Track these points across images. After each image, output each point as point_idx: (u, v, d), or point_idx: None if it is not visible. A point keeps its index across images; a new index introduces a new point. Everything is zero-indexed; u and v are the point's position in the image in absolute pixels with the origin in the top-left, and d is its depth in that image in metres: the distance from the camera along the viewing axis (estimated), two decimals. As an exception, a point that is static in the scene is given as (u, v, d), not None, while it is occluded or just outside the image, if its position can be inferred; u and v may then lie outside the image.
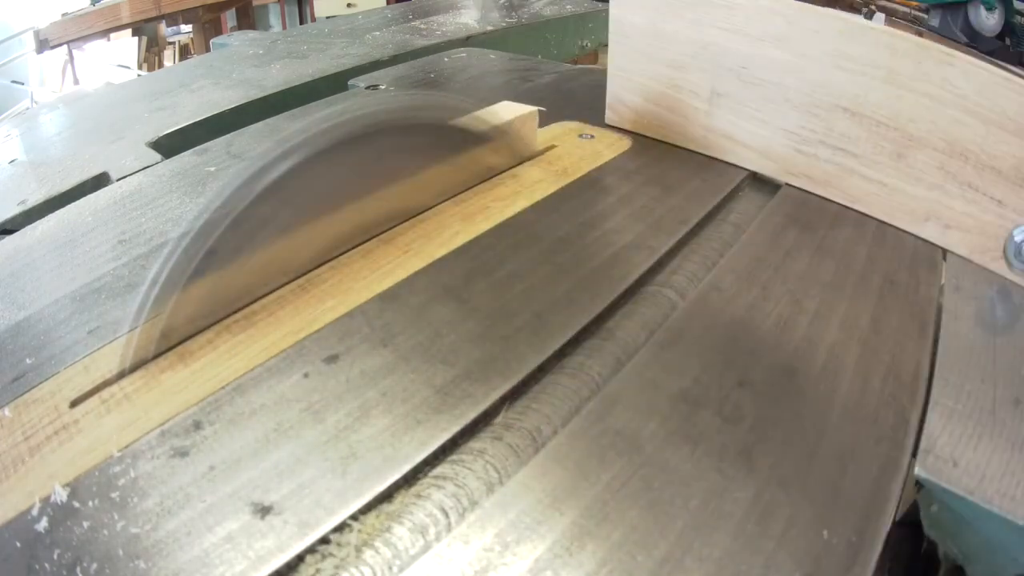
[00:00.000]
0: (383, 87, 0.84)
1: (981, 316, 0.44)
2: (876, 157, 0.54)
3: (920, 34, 1.79)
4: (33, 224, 0.56)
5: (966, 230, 0.51)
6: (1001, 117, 0.47)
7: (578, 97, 0.80)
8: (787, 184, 0.59)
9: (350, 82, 0.87)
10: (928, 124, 0.50)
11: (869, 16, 2.08)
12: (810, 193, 0.58)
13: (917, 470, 0.32)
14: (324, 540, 0.28)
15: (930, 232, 0.52)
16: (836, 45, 0.53)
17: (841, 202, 0.57)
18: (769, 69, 0.58)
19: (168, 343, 0.39)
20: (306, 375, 0.37)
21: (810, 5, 0.55)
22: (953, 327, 0.43)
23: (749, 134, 0.61)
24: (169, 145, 0.72)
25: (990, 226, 0.49)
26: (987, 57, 1.61)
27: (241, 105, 0.81)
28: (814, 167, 0.58)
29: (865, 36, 0.52)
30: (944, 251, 0.51)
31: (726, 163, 0.63)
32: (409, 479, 0.31)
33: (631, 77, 0.67)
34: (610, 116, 0.70)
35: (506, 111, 0.60)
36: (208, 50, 1.93)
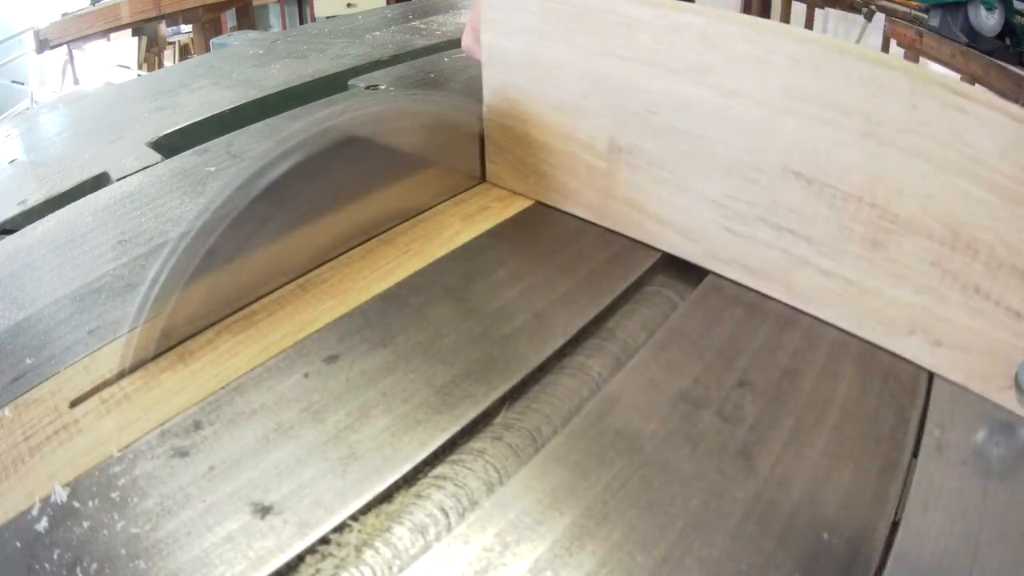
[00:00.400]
0: (383, 87, 0.84)
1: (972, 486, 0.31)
2: (841, 244, 0.39)
3: (920, 34, 1.78)
4: (33, 224, 0.56)
5: (965, 349, 0.37)
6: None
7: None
8: (714, 273, 0.45)
9: (350, 82, 0.87)
10: (922, 200, 0.36)
11: (869, 16, 2.07)
12: (744, 286, 0.44)
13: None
14: (324, 540, 0.28)
15: (914, 350, 0.38)
16: (786, 79, 0.37)
17: (788, 302, 0.43)
18: (687, 114, 0.42)
19: (168, 343, 0.39)
20: (306, 375, 0.37)
21: (748, 19, 0.39)
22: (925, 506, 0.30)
23: (662, 203, 0.46)
24: (169, 145, 0.72)
25: (1000, 345, 0.35)
26: (987, 57, 1.61)
27: (241, 105, 0.81)
28: (751, 253, 0.43)
29: (831, 65, 0.36)
30: (931, 375, 0.38)
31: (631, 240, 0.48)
32: (409, 479, 0.31)
33: (510, 125, 0.53)
34: (491, 173, 0.56)
35: None
36: (208, 50, 1.93)
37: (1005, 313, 0.35)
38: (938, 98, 0.34)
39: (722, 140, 0.41)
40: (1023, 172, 0.32)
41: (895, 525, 0.29)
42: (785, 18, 2.46)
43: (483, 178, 0.57)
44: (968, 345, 0.37)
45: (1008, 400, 0.35)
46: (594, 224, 0.51)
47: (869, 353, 0.39)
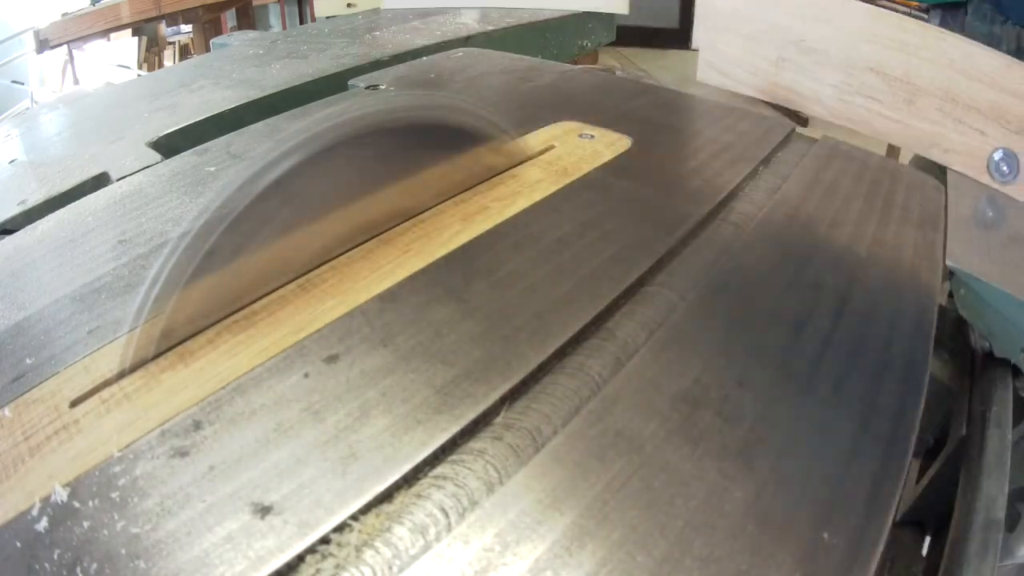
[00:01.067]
0: (383, 87, 0.84)
1: (975, 210, 0.62)
2: (894, 103, 0.76)
3: (920, 34, 1.80)
4: (33, 224, 0.56)
5: (960, 153, 0.70)
6: (979, 73, 0.67)
7: (578, 97, 0.80)
8: (824, 136, 0.74)
9: (350, 82, 0.87)
10: (929, 79, 0.72)
11: (869, 16, 2.08)
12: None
13: (948, 262, 0.49)
14: (324, 540, 0.28)
15: (935, 155, 0.72)
16: (865, 25, 0.77)
17: (868, 134, 0.79)
18: (819, 42, 0.81)
19: (168, 343, 0.39)
20: (306, 375, 0.37)
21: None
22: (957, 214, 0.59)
23: (805, 88, 0.85)
24: (169, 145, 0.72)
25: (977, 150, 0.68)
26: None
27: (241, 105, 0.81)
28: (853, 111, 0.80)
29: (884, 19, 0.76)
30: (945, 169, 0.70)
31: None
32: (409, 479, 0.31)
33: (716, 47, 0.94)
34: (700, 74, 0.97)
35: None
36: (208, 50, 1.93)
37: (975, 132, 0.69)
38: (932, 34, 0.71)
39: (835, 54, 0.80)
40: (972, 64, 0.67)
41: (895, 525, 0.29)
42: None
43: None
44: (961, 150, 0.70)
45: (986, 180, 0.67)
46: (593, 225, 0.51)
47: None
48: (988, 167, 0.67)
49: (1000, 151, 0.66)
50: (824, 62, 0.81)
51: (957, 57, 0.68)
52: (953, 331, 0.54)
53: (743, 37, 0.89)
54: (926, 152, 0.73)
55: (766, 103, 0.90)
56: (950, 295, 0.53)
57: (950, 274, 0.48)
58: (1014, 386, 0.47)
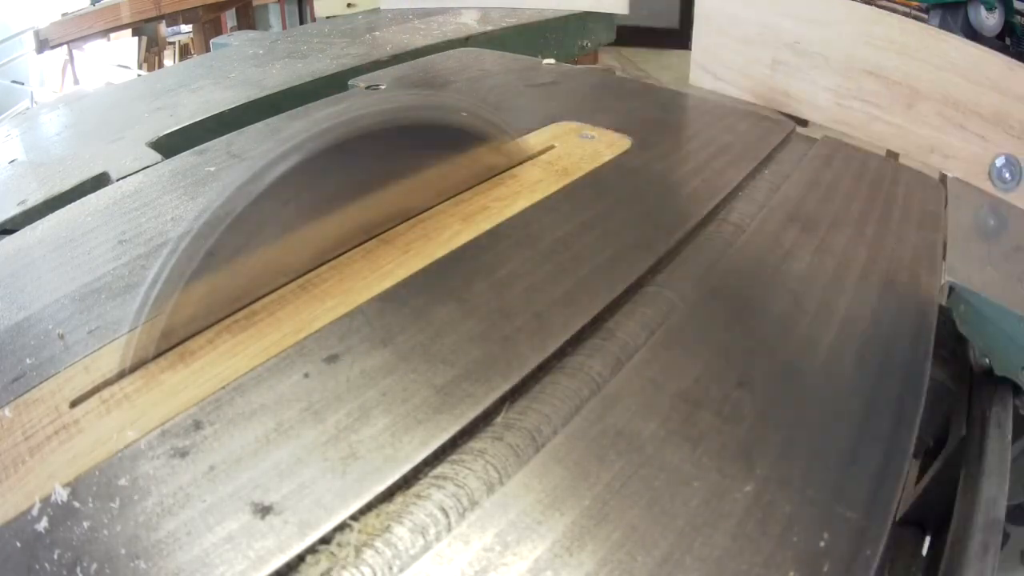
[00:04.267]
0: (383, 87, 0.84)
1: (976, 219, 0.62)
2: (894, 107, 0.75)
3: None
4: (33, 224, 0.56)
5: (961, 159, 0.69)
6: (981, 77, 0.66)
7: (578, 97, 0.80)
8: (824, 136, 0.73)
9: (350, 82, 0.87)
10: (930, 83, 0.71)
11: (869, 16, 2.08)
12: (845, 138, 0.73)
13: (948, 278, 0.48)
14: (324, 540, 0.28)
15: (935, 161, 0.71)
16: (863, 27, 0.75)
17: (867, 139, 0.76)
18: (815, 44, 0.79)
19: (168, 343, 0.39)
20: (306, 375, 0.37)
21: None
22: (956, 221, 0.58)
23: (802, 92, 0.84)
24: (169, 145, 0.72)
25: (978, 156, 0.67)
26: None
27: (241, 105, 0.81)
28: (850, 116, 0.79)
29: (884, 20, 0.75)
30: (945, 176, 0.69)
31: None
32: (409, 479, 0.31)
33: (711, 50, 0.92)
34: (693, 78, 0.96)
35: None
36: (208, 50, 1.93)
37: (976, 138, 0.67)
38: (933, 36, 0.70)
39: (833, 57, 0.78)
40: (975, 68, 0.66)
41: (895, 525, 0.29)
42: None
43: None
44: (962, 156, 0.68)
45: (987, 187, 0.66)
46: (593, 225, 0.51)
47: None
48: (990, 174, 0.66)
49: (1002, 157, 0.65)
50: (820, 65, 0.80)
51: (959, 60, 0.67)
52: (953, 329, 0.53)
53: (737, 40, 0.87)
54: (926, 158, 0.71)
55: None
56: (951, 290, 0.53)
57: (949, 290, 0.47)
58: (1014, 404, 0.46)
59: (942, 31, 0.70)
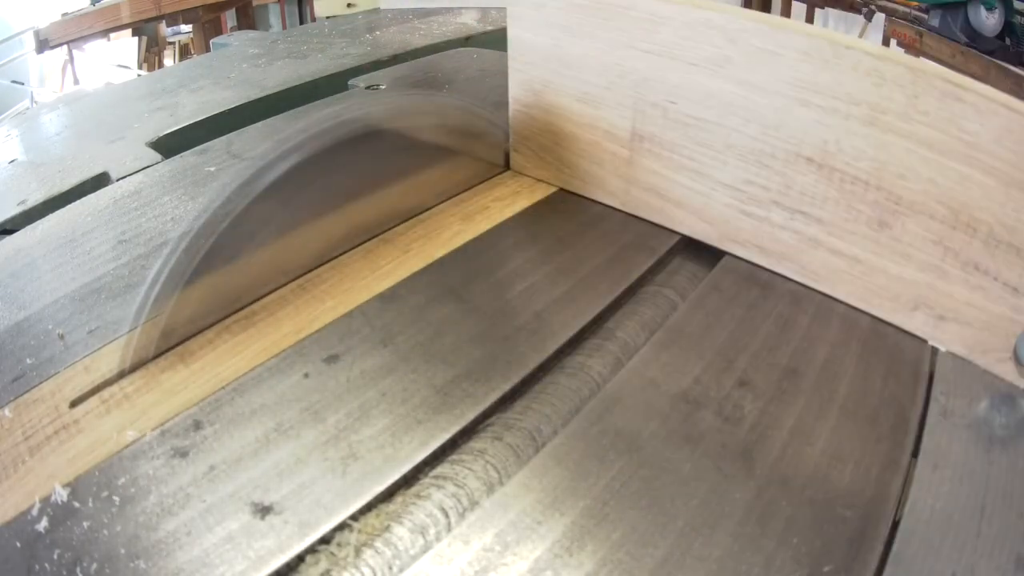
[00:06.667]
0: (383, 87, 0.84)
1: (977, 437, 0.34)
2: (850, 225, 0.42)
3: (920, 34, 1.78)
4: (33, 224, 0.56)
5: (966, 323, 0.39)
6: None
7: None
8: (730, 254, 0.47)
9: (350, 82, 0.87)
10: (924, 183, 0.38)
11: (869, 16, 2.07)
12: (758, 266, 0.46)
13: None
14: (324, 540, 0.28)
15: (918, 324, 0.41)
16: (798, 72, 0.40)
17: (800, 280, 0.45)
18: (705, 104, 0.44)
19: (168, 343, 0.39)
20: (306, 375, 0.37)
21: (763, 16, 0.41)
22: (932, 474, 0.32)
23: (681, 189, 0.48)
24: (169, 145, 0.72)
25: (999, 320, 0.37)
26: (987, 57, 1.61)
27: (241, 105, 0.81)
28: (765, 235, 0.45)
29: (840, 59, 0.38)
30: (934, 349, 0.40)
31: (651, 224, 0.51)
32: (409, 479, 0.31)
33: (534, 114, 0.55)
34: (515, 162, 0.59)
35: None
36: (208, 50, 1.93)
37: (1003, 288, 0.37)
38: (938, 88, 0.36)
39: (737, 128, 0.44)
40: (1016, 156, 0.35)
41: (895, 524, 0.29)
42: (785, 17, 2.46)
43: (506, 167, 0.59)
44: (969, 319, 0.39)
45: (1008, 372, 0.37)
46: (594, 225, 0.51)
47: (877, 331, 0.42)
48: (1016, 351, 0.37)
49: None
50: (716, 143, 0.45)
51: (988, 138, 0.35)
52: None
53: (573, 98, 0.52)
54: (904, 318, 0.41)
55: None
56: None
57: None
58: None
59: (954, 78, 0.35)
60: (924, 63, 0.38)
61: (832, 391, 0.36)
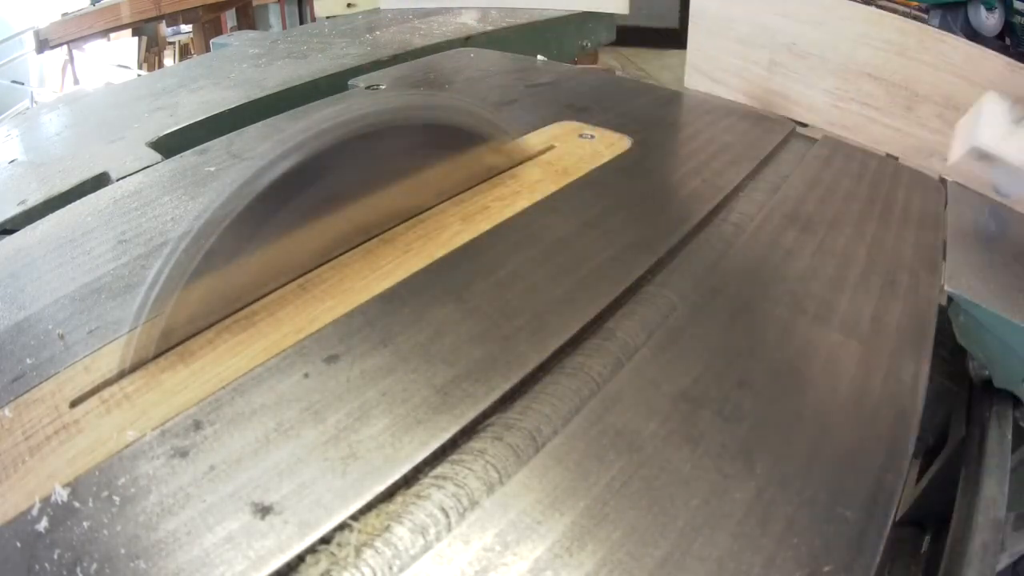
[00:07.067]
0: (383, 87, 0.84)
1: (976, 224, 0.59)
2: (892, 110, 0.74)
3: (920, 34, 1.80)
4: (33, 224, 0.56)
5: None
6: (981, 79, 0.66)
7: (579, 97, 0.80)
8: (827, 134, 0.76)
9: (350, 82, 0.87)
10: (929, 85, 0.71)
11: (869, 16, 2.08)
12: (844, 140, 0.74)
13: (947, 287, 0.45)
14: (324, 540, 0.28)
15: (935, 164, 0.71)
16: (861, 28, 0.75)
17: (866, 144, 0.73)
18: (812, 45, 0.77)
19: (168, 343, 0.39)
20: (306, 375, 0.37)
21: None
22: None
23: (799, 94, 0.83)
24: (169, 145, 0.72)
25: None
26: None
27: (241, 105, 0.81)
28: (847, 118, 0.79)
29: (882, 21, 0.74)
30: (944, 179, 0.66)
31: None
32: (409, 479, 0.31)
33: (707, 52, 0.89)
34: (688, 81, 0.95)
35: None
36: (208, 50, 1.93)
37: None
38: (932, 36, 0.70)
39: (830, 59, 0.77)
40: (976, 69, 0.66)
41: (895, 525, 0.29)
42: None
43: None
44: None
45: (989, 191, 0.63)
46: (594, 224, 0.51)
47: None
48: (997, 188, 0.64)
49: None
50: (818, 67, 0.78)
51: (958, 61, 0.67)
52: (952, 331, 0.52)
53: (733, 41, 0.86)
54: (926, 162, 0.71)
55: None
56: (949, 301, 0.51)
57: (948, 300, 0.45)
58: (1014, 416, 0.45)
59: (941, 31, 0.70)
60: (927, 28, 0.71)
61: (833, 388, 0.36)
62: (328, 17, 1.47)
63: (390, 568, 0.28)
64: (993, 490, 0.40)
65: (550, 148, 0.64)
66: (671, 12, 3.69)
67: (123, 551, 0.28)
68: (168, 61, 3.06)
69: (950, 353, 0.52)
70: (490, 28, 1.18)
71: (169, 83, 0.92)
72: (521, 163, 0.61)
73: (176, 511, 0.29)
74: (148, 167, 0.66)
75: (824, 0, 0.74)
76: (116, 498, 0.30)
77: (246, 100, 0.82)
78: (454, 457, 0.33)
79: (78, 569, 0.27)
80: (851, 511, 0.30)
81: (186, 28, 3.11)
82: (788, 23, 0.79)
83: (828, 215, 0.54)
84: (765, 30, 0.81)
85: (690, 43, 0.90)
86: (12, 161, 0.72)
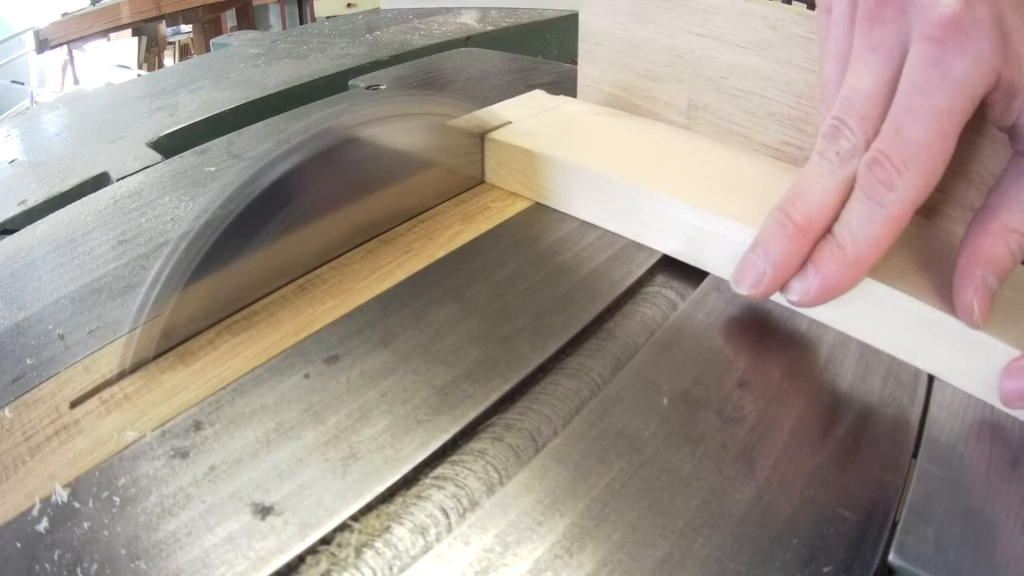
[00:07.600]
0: (383, 87, 0.84)
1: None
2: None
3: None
4: (33, 224, 0.56)
5: None
6: None
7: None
8: None
9: (350, 82, 0.87)
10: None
11: (869, 16, 2.07)
12: None
13: (891, 558, 0.27)
14: (325, 540, 0.28)
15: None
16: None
17: None
18: (751, 79, 0.52)
19: (168, 343, 0.39)
20: (306, 375, 0.37)
21: (798, 8, 0.49)
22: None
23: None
24: (169, 145, 0.72)
25: None
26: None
27: (241, 105, 0.81)
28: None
29: None
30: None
31: None
32: (409, 480, 0.31)
33: (602, 88, 0.62)
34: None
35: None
36: (208, 50, 1.93)
37: None
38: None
39: (777, 99, 0.52)
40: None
41: (895, 525, 0.29)
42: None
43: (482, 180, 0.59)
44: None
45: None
46: (595, 225, 0.51)
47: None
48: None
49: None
50: (758, 112, 0.53)
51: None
52: None
53: (637, 74, 0.59)
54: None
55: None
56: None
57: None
58: None
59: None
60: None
61: (833, 391, 0.36)
62: (328, 17, 1.47)
63: (390, 568, 0.28)
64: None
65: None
66: (671, 12, 3.69)
67: (123, 552, 0.28)
68: (168, 61, 3.06)
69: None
70: (490, 28, 1.18)
71: (169, 83, 0.92)
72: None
73: (176, 512, 0.29)
74: (148, 167, 0.66)
75: (769, 12, 0.49)
76: (116, 499, 0.30)
77: (246, 100, 0.82)
78: (454, 458, 0.33)
79: (78, 570, 0.27)
80: (851, 511, 0.30)
81: (186, 28, 3.11)
82: (715, 48, 0.53)
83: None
84: (682, 59, 0.56)
85: (580, 78, 0.64)
86: (12, 161, 0.72)
